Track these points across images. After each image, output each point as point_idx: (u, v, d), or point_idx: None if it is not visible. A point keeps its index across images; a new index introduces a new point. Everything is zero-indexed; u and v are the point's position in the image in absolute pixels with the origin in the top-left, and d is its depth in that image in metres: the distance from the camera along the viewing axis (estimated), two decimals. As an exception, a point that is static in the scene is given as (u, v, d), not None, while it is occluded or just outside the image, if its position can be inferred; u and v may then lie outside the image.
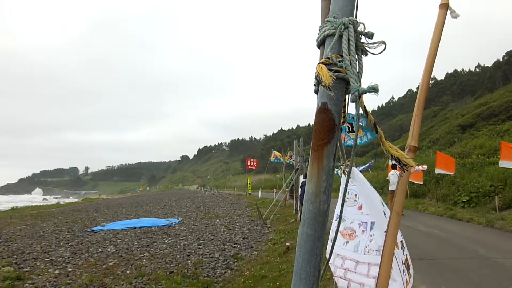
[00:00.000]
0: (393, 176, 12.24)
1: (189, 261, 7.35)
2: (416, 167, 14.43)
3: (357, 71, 1.10)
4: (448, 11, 1.43)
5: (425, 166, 14.37)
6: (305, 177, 11.63)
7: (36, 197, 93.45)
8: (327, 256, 1.35)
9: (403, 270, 2.06)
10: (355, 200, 2.51)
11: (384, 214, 2.32)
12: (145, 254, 8.13)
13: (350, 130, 5.58)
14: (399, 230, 2.21)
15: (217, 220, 14.02)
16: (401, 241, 2.19)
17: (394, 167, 12.73)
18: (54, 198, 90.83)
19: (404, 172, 1.14)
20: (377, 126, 1.15)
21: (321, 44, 1.19)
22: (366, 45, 1.13)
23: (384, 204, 2.55)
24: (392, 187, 12.07)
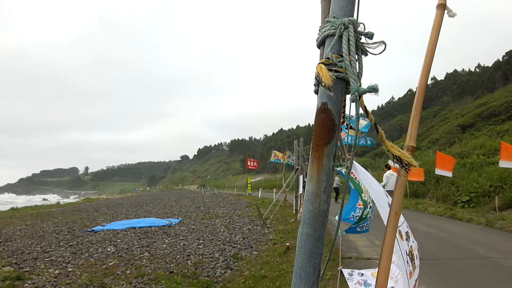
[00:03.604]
0: (393, 176, 12.21)
1: (189, 261, 7.35)
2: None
3: (357, 71, 1.10)
4: (445, 11, 1.43)
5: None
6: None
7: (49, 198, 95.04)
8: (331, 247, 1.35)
9: (407, 261, 2.08)
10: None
11: (389, 205, 2.34)
12: (145, 254, 8.13)
13: (348, 127, 5.57)
14: (405, 221, 2.23)
15: (217, 220, 14.02)
16: (406, 232, 2.21)
17: (388, 167, 12.68)
18: (54, 198, 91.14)
19: (407, 171, 1.14)
20: (378, 126, 1.15)
21: (321, 44, 1.19)
22: (366, 45, 1.13)
23: (388, 196, 2.57)
24: (389, 187, 11.94)
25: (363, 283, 4.94)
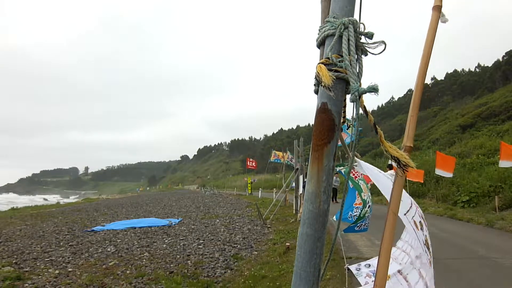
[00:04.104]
0: (393, 176, 12.21)
1: (189, 261, 7.35)
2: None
3: (357, 71, 1.10)
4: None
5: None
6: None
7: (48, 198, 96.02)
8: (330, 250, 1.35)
9: (425, 250, 2.09)
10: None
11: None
12: (145, 254, 8.13)
13: (348, 127, 5.59)
14: (418, 211, 2.24)
15: (217, 220, 14.02)
16: (420, 222, 2.22)
17: (390, 167, 12.69)
18: (54, 198, 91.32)
19: (404, 172, 1.14)
20: (376, 126, 1.15)
21: (321, 44, 1.19)
22: (366, 45, 1.13)
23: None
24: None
25: (372, 274, 4.94)
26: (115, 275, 6.43)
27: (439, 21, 1.44)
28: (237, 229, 11.52)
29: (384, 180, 2.51)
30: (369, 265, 5.33)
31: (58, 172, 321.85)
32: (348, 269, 5.30)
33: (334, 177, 15.68)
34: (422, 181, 14.56)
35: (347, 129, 5.51)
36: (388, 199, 2.37)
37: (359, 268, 5.32)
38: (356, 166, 2.90)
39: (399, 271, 2.24)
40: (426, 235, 2.22)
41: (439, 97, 59.00)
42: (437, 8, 1.43)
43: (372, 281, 4.65)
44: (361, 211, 4.51)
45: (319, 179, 1.06)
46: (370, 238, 8.28)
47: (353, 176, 4.40)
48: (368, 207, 4.49)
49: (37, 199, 71.17)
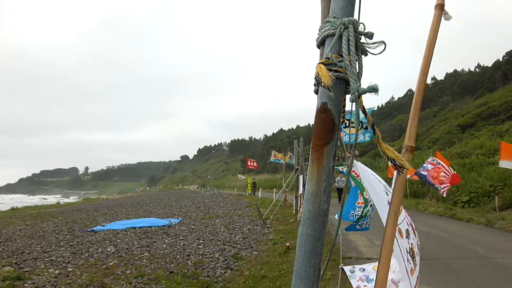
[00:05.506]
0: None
1: (189, 261, 7.35)
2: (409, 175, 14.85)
3: (357, 71, 1.09)
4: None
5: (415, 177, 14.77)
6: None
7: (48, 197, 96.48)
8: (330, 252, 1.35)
9: (407, 259, 2.06)
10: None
11: (389, 203, 2.32)
12: (145, 254, 8.13)
13: (347, 125, 5.55)
14: (406, 219, 2.22)
15: (217, 220, 14.02)
16: (406, 230, 2.19)
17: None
18: (54, 198, 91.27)
19: (400, 174, 1.14)
20: (374, 127, 1.15)
21: (321, 44, 1.19)
22: (366, 45, 1.13)
23: (389, 193, 2.54)
24: None
25: (365, 278, 4.95)
26: (115, 275, 6.43)
27: (443, 19, 1.44)
28: (237, 229, 11.52)
29: (377, 185, 2.49)
30: (364, 269, 5.33)
31: (58, 172, 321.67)
32: (342, 269, 5.31)
33: (339, 178, 15.53)
34: (417, 178, 14.53)
35: (344, 128, 5.48)
36: (376, 203, 2.35)
37: (353, 271, 5.33)
38: (353, 166, 2.90)
39: None
40: (412, 243, 2.19)
41: (439, 97, 58.99)
42: (440, 7, 1.42)
43: (365, 286, 4.66)
44: (362, 210, 4.51)
45: (319, 179, 1.06)
46: (370, 238, 8.28)
47: (355, 175, 4.39)
48: (370, 206, 4.49)
49: (44, 200, 71.15)
